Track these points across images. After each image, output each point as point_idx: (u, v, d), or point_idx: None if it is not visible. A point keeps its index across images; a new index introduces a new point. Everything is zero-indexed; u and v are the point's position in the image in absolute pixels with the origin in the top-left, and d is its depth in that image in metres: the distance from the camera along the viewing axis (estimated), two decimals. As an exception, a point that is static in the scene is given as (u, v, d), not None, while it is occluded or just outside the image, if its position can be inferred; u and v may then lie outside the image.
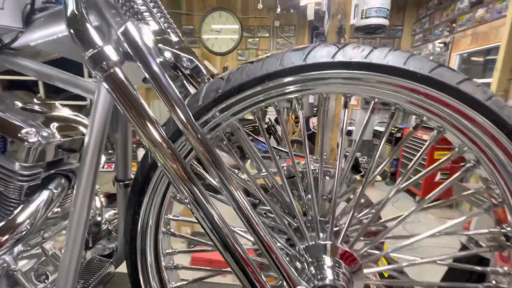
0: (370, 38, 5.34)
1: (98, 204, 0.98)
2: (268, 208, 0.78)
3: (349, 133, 3.92)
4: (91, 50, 0.46)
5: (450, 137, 0.55)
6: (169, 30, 0.65)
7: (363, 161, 4.15)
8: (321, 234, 0.66)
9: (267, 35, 5.56)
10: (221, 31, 5.56)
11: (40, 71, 0.65)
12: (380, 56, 0.48)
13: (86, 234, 0.65)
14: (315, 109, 4.26)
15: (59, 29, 0.60)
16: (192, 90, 0.73)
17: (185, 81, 0.74)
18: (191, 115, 0.49)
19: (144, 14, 0.55)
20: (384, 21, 2.17)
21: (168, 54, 0.56)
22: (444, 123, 0.52)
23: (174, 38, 0.65)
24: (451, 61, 4.13)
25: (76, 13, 0.48)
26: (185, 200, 0.49)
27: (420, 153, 0.57)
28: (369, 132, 5.15)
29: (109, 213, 1.02)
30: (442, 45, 4.23)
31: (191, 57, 0.67)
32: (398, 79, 0.48)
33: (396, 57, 0.48)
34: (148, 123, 0.48)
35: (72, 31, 0.47)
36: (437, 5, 4.55)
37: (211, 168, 0.48)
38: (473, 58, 4.00)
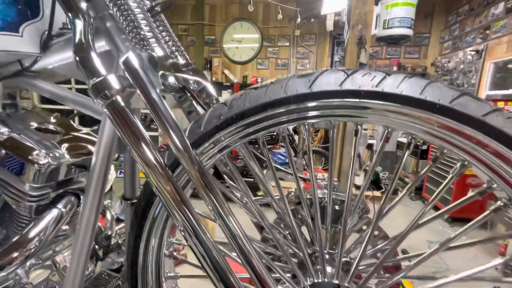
0: (394, 47, 5.16)
1: (109, 217, 1.00)
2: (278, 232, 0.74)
3: (369, 146, 3.75)
4: (94, 78, 0.47)
5: (477, 171, 0.49)
6: (176, 53, 0.65)
7: (384, 177, 3.95)
8: (329, 269, 0.61)
9: (287, 44, 5.56)
10: (242, 40, 5.65)
11: (55, 92, 0.68)
12: (393, 85, 0.44)
13: (91, 251, 0.66)
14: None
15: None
16: (201, 111, 0.73)
17: (194, 102, 0.74)
18: (188, 143, 0.47)
19: (150, 40, 0.56)
20: (408, 31, 2.07)
21: (172, 79, 0.55)
22: (469, 157, 0.46)
23: (181, 61, 0.65)
24: (485, 70, 3.86)
25: (83, 41, 0.49)
26: (179, 228, 0.48)
27: (439, 189, 0.52)
28: (393, 144, 4.92)
29: (119, 227, 1.03)
30: (474, 53, 3.97)
31: (199, 79, 0.67)
32: (413, 109, 0.43)
33: (412, 85, 0.43)
34: (146, 150, 0.47)
35: (77, 58, 0.48)
36: (468, 11, 4.30)
37: (204, 194, 0.47)
38: (510, 66, 3.71)
